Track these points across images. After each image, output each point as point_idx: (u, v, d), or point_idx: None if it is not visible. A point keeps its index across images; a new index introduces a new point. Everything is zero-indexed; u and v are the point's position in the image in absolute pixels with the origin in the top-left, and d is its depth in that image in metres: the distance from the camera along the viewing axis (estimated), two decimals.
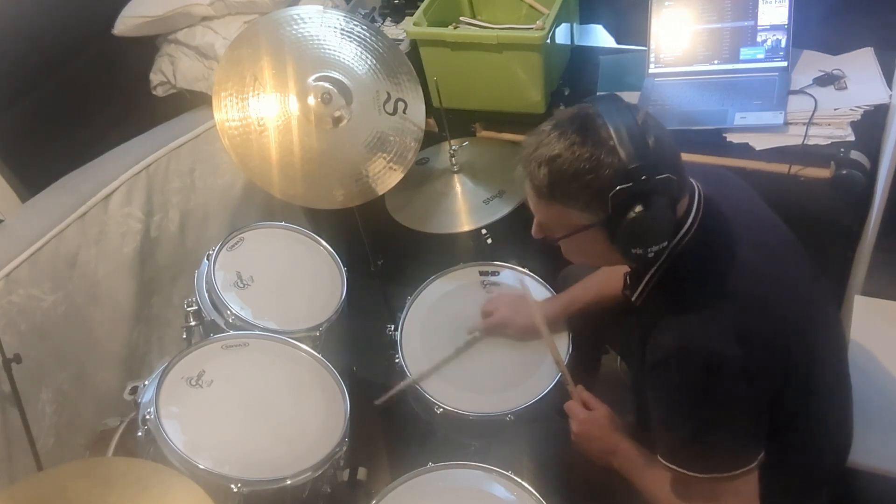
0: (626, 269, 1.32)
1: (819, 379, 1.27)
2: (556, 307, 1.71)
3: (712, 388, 1.14)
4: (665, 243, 1.16)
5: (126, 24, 2.12)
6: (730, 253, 1.20)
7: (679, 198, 1.18)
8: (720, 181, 1.31)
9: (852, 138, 1.76)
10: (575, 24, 2.21)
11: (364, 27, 1.84)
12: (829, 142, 1.76)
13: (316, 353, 1.73)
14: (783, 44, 1.91)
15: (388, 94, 1.83)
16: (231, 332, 1.74)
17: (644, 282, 1.24)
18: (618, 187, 1.10)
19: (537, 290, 1.83)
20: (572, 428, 1.44)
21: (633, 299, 1.28)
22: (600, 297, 1.64)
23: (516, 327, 1.70)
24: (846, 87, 1.86)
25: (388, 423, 1.97)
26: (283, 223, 2.01)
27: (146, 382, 1.65)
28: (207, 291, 1.82)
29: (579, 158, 1.11)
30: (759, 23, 1.91)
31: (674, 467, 1.21)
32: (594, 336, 1.76)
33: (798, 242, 1.31)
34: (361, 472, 1.81)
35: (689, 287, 1.19)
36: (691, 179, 1.22)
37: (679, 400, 1.18)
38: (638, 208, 1.11)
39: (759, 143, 1.79)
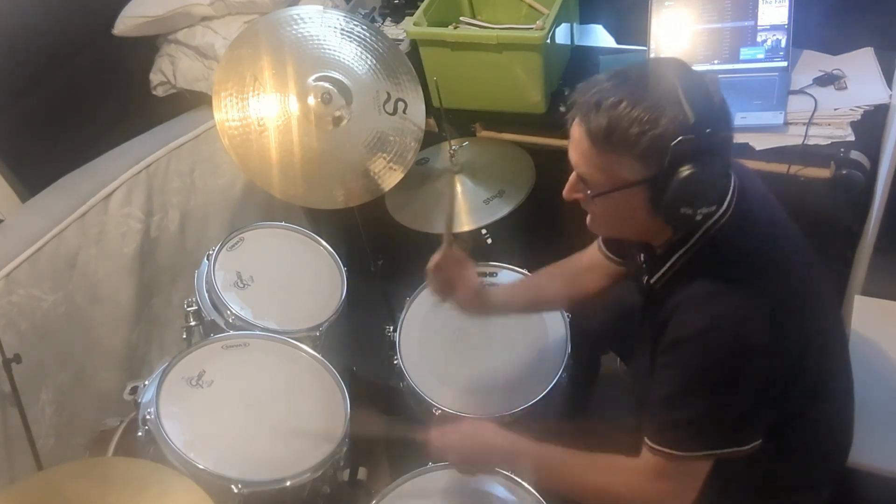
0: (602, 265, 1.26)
1: (826, 377, 1.27)
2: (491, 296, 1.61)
3: (733, 372, 1.12)
4: (714, 208, 1.13)
5: (126, 24, 2.12)
6: (765, 240, 1.19)
7: (730, 168, 1.15)
8: (744, 173, 1.29)
9: (852, 138, 1.76)
10: (575, 24, 2.21)
11: (364, 27, 1.84)
12: (829, 142, 1.76)
13: (316, 353, 1.73)
14: (783, 44, 1.91)
15: (388, 94, 1.83)
16: (231, 332, 1.74)
17: (670, 263, 1.21)
18: (681, 137, 1.05)
19: None
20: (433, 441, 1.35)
21: (651, 282, 1.26)
22: (535, 301, 1.63)
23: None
24: (846, 87, 1.86)
25: (388, 423, 1.97)
26: (283, 223, 2.01)
27: (146, 382, 1.65)
28: (207, 291, 1.82)
29: (642, 105, 1.07)
30: (759, 23, 1.91)
31: (659, 447, 1.18)
32: (594, 336, 1.76)
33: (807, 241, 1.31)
34: (361, 472, 1.81)
35: (725, 268, 1.16)
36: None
37: (696, 379, 1.14)
38: (696, 164, 1.07)
39: (759, 143, 1.79)
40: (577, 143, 1.16)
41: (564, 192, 1.23)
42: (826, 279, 1.30)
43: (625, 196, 1.14)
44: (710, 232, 1.17)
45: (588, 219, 1.26)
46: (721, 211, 1.17)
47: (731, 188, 1.18)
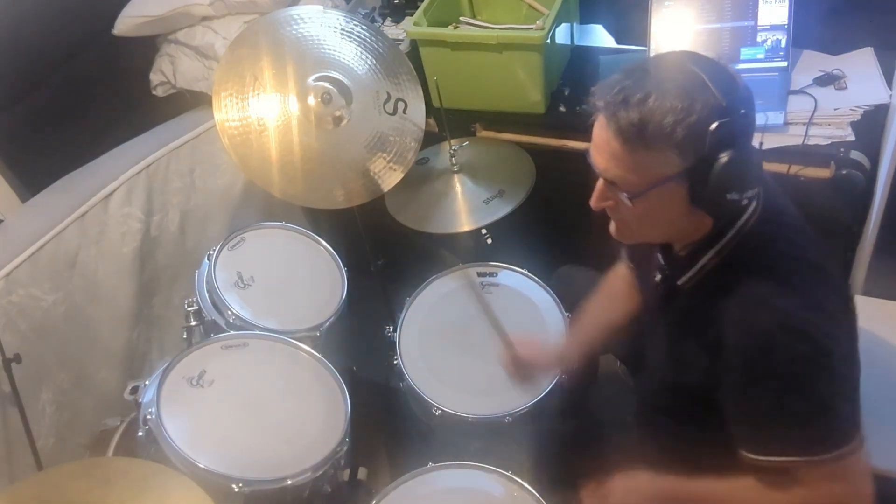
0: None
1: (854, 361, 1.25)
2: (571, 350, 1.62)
3: (823, 359, 1.09)
4: (756, 190, 1.10)
5: (126, 24, 2.12)
6: (798, 234, 1.17)
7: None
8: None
9: (852, 138, 1.76)
10: (575, 24, 2.21)
11: (364, 27, 1.84)
12: (829, 142, 1.76)
13: (316, 353, 1.73)
14: (783, 44, 1.91)
15: (388, 94, 1.83)
16: (231, 332, 1.74)
17: (702, 263, 1.18)
18: (718, 121, 1.03)
19: (536, 291, 1.82)
20: None
21: (679, 283, 1.23)
22: (608, 326, 1.57)
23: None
24: (846, 87, 1.86)
25: (388, 422, 1.97)
26: (283, 223, 2.01)
27: (147, 382, 1.65)
28: (208, 291, 1.82)
29: (672, 94, 1.04)
30: (759, 23, 1.91)
31: (790, 459, 1.10)
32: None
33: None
34: (362, 472, 1.81)
35: (776, 264, 1.13)
36: None
37: (792, 378, 1.09)
38: (735, 147, 1.04)
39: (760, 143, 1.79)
40: (603, 147, 1.11)
41: (592, 202, 1.18)
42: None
43: (663, 193, 1.10)
44: (745, 228, 1.15)
45: (613, 228, 1.22)
46: (752, 208, 1.15)
47: (758, 187, 1.16)
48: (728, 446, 1.18)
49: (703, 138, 1.04)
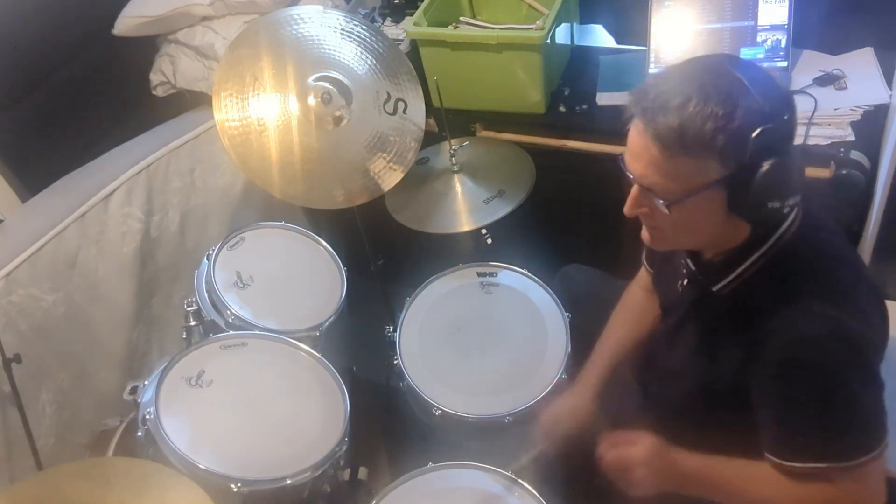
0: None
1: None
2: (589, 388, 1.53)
3: (865, 368, 1.09)
4: (798, 197, 1.07)
5: (126, 24, 2.12)
6: (837, 241, 1.16)
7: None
8: None
9: (852, 138, 1.76)
10: (575, 24, 2.21)
11: (364, 27, 1.84)
12: (829, 142, 1.76)
13: (316, 353, 1.73)
14: (783, 44, 1.91)
15: (388, 94, 1.83)
16: (231, 332, 1.74)
17: (741, 269, 1.16)
18: (760, 128, 1.00)
19: (536, 291, 1.82)
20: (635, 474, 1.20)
21: (714, 289, 1.20)
22: (634, 340, 1.53)
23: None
24: (846, 87, 1.86)
25: (388, 422, 1.97)
26: (283, 223, 2.01)
27: (146, 382, 1.65)
28: (207, 291, 1.82)
29: (714, 100, 1.00)
30: (759, 23, 1.91)
31: (823, 465, 1.10)
32: (594, 336, 1.76)
33: None
34: (362, 472, 1.81)
35: (813, 268, 1.12)
36: None
37: (836, 387, 1.08)
38: (779, 154, 1.01)
39: None
40: (640, 153, 1.08)
41: (627, 210, 1.15)
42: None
43: (701, 200, 1.08)
44: (786, 236, 1.13)
45: (646, 235, 1.20)
46: (791, 217, 1.13)
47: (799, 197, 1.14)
48: (750, 451, 1.17)
49: (745, 145, 1.01)
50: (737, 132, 1.01)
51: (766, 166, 1.02)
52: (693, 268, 1.27)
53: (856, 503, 1.12)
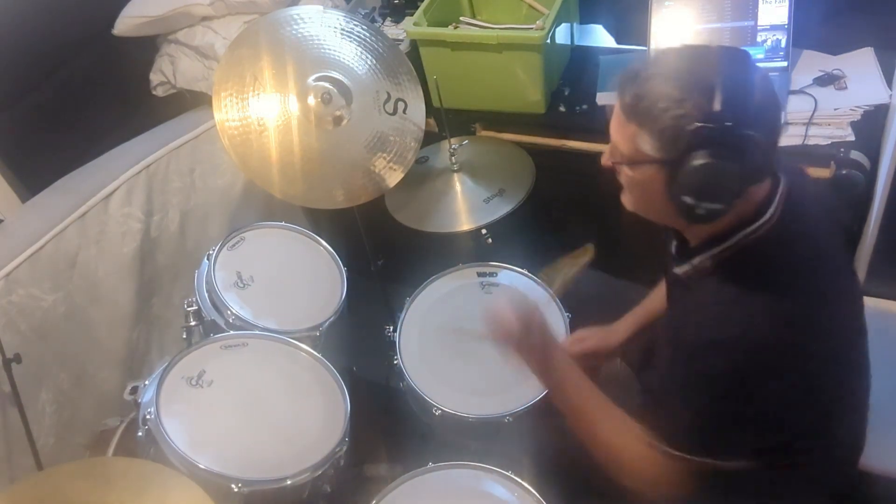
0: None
1: (844, 394, 1.27)
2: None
3: (750, 383, 1.11)
4: (720, 206, 1.10)
5: (126, 23, 2.12)
6: (805, 262, 1.17)
7: (758, 174, 1.12)
8: (801, 186, 1.25)
9: (852, 138, 1.76)
10: (575, 24, 2.21)
11: (364, 27, 1.84)
12: (829, 142, 1.76)
13: (316, 353, 1.73)
14: (783, 44, 1.91)
15: (388, 94, 1.83)
16: (231, 332, 1.74)
17: (699, 259, 1.20)
18: (699, 124, 1.05)
19: (536, 291, 1.82)
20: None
21: (676, 272, 1.25)
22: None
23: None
24: (846, 87, 1.86)
25: (388, 422, 1.97)
26: (283, 223, 2.01)
27: (146, 382, 1.65)
28: (207, 291, 1.82)
29: (674, 83, 1.07)
30: (759, 23, 1.91)
31: (658, 441, 1.19)
32: None
33: (846, 253, 1.31)
34: (362, 472, 1.81)
35: (757, 279, 1.14)
36: (779, 173, 1.18)
37: (715, 386, 1.13)
38: (709, 155, 1.05)
39: None
40: (614, 112, 1.17)
41: (602, 158, 1.23)
42: (856, 289, 1.32)
43: (646, 172, 1.14)
44: (747, 240, 1.15)
45: (622, 193, 1.26)
46: (761, 221, 1.15)
47: (776, 201, 1.16)
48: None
49: (683, 135, 1.06)
50: (678, 119, 1.06)
51: (693, 162, 1.07)
52: (673, 251, 1.30)
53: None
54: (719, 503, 1.25)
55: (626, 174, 1.19)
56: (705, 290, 1.18)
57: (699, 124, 1.05)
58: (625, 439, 1.24)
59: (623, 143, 1.15)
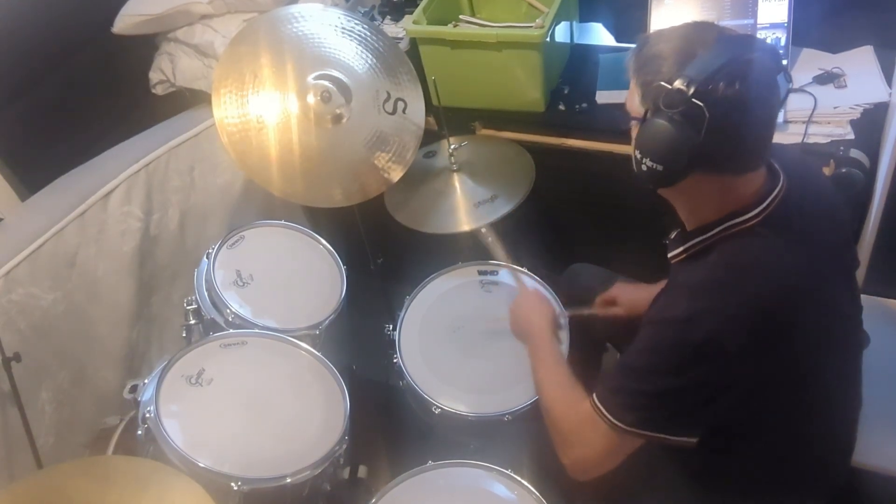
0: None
1: (830, 390, 1.27)
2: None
3: (691, 364, 1.13)
4: (661, 168, 1.12)
5: (125, 22, 2.12)
6: (786, 259, 1.16)
7: (725, 160, 1.13)
8: (805, 185, 1.26)
9: (852, 137, 1.76)
10: (574, 23, 2.21)
11: (364, 25, 1.84)
12: (829, 140, 1.76)
13: (315, 352, 1.73)
14: (783, 42, 1.91)
15: (388, 93, 1.83)
16: (231, 330, 1.74)
17: (687, 245, 1.22)
18: (659, 83, 1.09)
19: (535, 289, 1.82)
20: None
21: (668, 255, 1.27)
22: None
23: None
24: (846, 86, 1.86)
25: (388, 421, 1.97)
26: (282, 221, 2.01)
27: (146, 381, 1.65)
28: (207, 290, 1.82)
29: (664, 45, 1.13)
30: (759, 21, 1.90)
31: (599, 406, 1.22)
32: (595, 334, 1.76)
33: (851, 246, 1.31)
34: (361, 471, 1.81)
35: (730, 267, 1.16)
36: (781, 173, 1.19)
37: (658, 357, 1.17)
38: (664, 116, 1.09)
39: None
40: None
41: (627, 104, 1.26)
42: (853, 286, 1.33)
43: (636, 130, 1.18)
44: (730, 231, 1.17)
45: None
46: (749, 215, 1.16)
47: (771, 198, 1.17)
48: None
49: (650, 93, 1.12)
50: (653, 79, 1.11)
51: (649, 118, 1.11)
52: (673, 236, 1.31)
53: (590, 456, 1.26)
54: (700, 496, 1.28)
55: (633, 133, 1.22)
56: (684, 274, 1.22)
57: (660, 83, 1.09)
58: (566, 394, 1.33)
59: (631, 97, 1.20)
